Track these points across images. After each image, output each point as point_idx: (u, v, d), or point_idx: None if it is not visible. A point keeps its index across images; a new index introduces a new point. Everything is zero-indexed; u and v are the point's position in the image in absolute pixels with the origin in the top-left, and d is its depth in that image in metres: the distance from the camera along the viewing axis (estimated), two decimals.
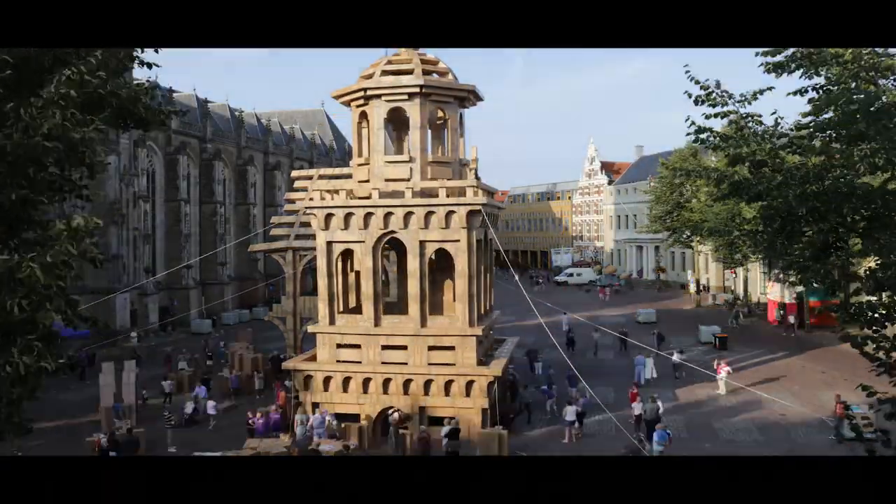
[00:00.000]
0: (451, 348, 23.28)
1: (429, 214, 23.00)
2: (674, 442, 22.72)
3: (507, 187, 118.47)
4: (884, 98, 9.53)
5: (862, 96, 9.58)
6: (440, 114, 25.56)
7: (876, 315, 10.17)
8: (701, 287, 60.00)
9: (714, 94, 10.46)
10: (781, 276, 38.01)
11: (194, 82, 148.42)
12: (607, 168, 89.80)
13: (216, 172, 55.53)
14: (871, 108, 9.53)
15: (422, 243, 23.26)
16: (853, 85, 9.55)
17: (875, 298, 10.33)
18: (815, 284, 11.28)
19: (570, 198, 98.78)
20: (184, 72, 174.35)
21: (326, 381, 23.94)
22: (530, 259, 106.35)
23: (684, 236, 55.30)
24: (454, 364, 23.12)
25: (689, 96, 10.57)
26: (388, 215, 23.21)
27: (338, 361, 24.04)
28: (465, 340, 23.19)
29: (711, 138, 10.98)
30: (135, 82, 10.18)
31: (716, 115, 10.63)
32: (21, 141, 7.52)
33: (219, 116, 59.02)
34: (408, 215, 23.11)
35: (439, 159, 24.80)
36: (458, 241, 22.99)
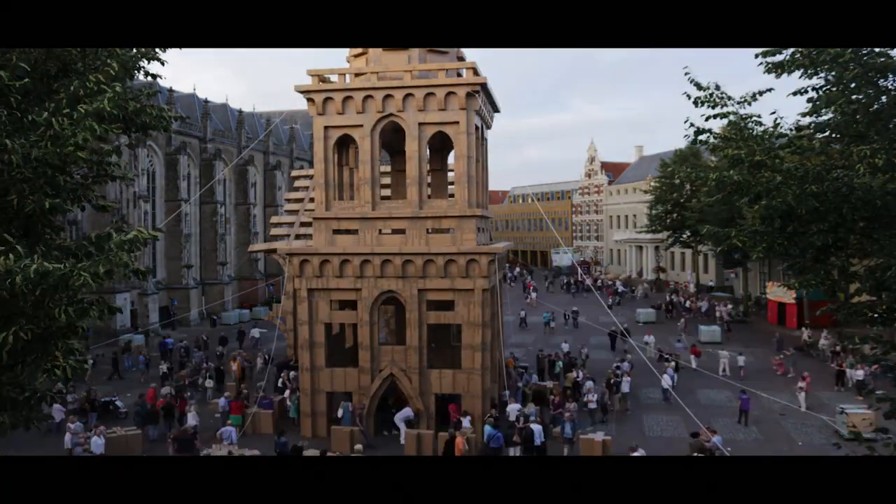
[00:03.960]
0: (450, 231, 23.12)
1: (428, 96, 22.86)
2: (675, 442, 22.72)
3: (507, 187, 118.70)
4: (883, 98, 9.54)
5: (862, 97, 9.59)
6: None
7: (875, 315, 10.18)
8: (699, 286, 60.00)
9: (714, 95, 10.47)
10: (782, 276, 38.14)
11: (195, 82, 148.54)
12: (607, 168, 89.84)
13: (216, 172, 55.53)
14: (871, 109, 9.54)
15: (420, 125, 23.12)
16: (853, 85, 9.55)
17: (875, 298, 10.33)
18: (815, 286, 11.28)
19: (570, 198, 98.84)
20: (184, 71, 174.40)
21: (322, 265, 23.66)
22: (530, 259, 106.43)
23: (684, 236, 55.31)
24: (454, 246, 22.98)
25: (689, 97, 10.59)
26: (386, 98, 23.06)
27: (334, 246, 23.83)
28: (464, 222, 23.00)
29: (711, 139, 11.01)
30: (135, 84, 10.41)
31: (715, 117, 10.64)
32: (52, 150, 7.74)
33: (219, 116, 59.00)
34: (407, 97, 22.96)
35: (437, 48, 24.31)
36: (457, 122, 22.95)
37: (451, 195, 26.79)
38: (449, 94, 22.75)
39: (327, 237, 23.78)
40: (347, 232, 23.76)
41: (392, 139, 24.97)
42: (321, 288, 23.83)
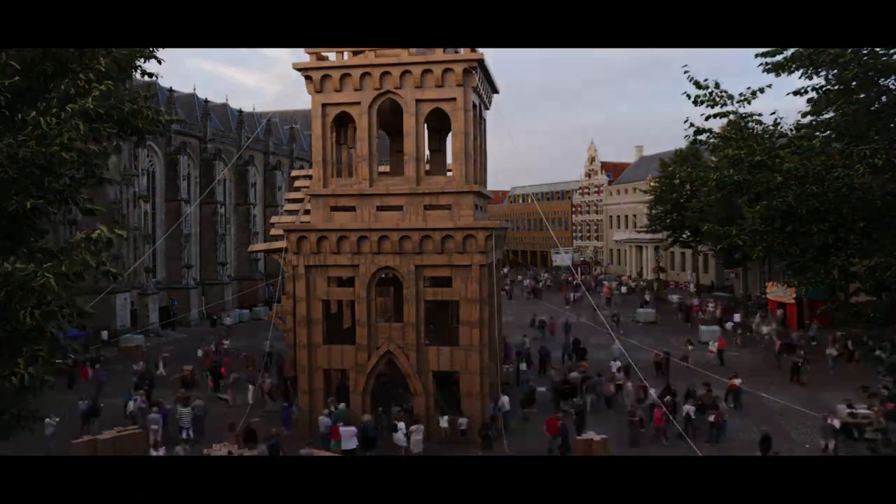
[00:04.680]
0: (448, 207, 23.16)
1: (425, 73, 22.93)
2: (676, 442, 22.72)
3: (507, 187, 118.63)
4: (884, 98, 9.54)
5: (862, 96, 9.60)
6: None
7: (875, 315, 10.18)
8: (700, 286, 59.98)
9: (713, 94, 10.48)
10: (782, 276, 38.19)
11: (194, 81, 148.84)
12: (607, 168, 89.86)
13: (216, 172, 55.51)
14: (871, 109, 9.55)
15: (418, 102, 23.17)
16: (853, 85, 9.55)
17: (875, 298, 10.33)
18: (815, 286, 11.27)
19: (569, 198, 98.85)
20: (185, 71, 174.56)
21: (320, 241, 23.67)
22: (530, 259, 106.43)
23: (684, 236, 55.30)
24: (451, 221, 23.01)
25: (689, 97, 10.59)
26: (384, 75, 23.15)
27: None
28: (461, 198, 23.04)
29: (711, 139, 11.02)
30: (134, 85, 10.33)
31: (715, 116, 10.65)
32: (38, 150, 7.59)
33: (219, 116, 58.97)
34: (404, 74, 23.06)
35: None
36: (454, 99, 22.99)
37: (450, 171, 26.74)
38: (446, 70, 22.84)
39: (325, 214, 23.89)
40: (345, 209, 23.85)
41: (390, 119, 24.96)
42: (318, 264, 23.89)
